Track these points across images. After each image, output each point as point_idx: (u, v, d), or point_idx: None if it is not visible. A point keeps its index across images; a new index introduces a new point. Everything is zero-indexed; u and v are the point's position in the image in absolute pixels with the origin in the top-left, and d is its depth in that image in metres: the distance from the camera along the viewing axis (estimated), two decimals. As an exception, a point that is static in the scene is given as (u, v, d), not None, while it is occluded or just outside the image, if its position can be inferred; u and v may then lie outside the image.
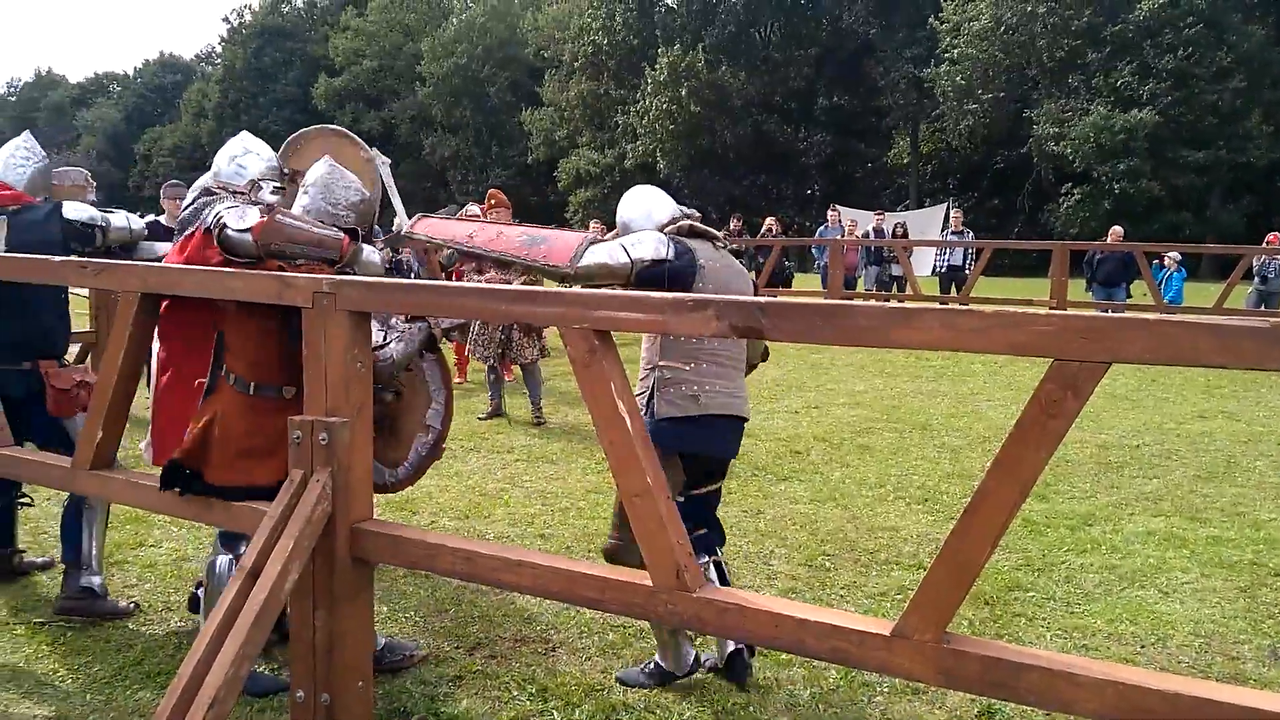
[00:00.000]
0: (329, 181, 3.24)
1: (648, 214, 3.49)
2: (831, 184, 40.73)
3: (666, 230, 3.37)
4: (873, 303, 2.02)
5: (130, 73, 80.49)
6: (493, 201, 7.85)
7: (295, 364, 2.80)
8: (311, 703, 2.77)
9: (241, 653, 2.44)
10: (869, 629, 2.09)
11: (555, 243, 3.28)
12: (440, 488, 5.83)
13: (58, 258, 3.24)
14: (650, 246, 3.25)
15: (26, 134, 4.15)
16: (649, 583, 2.30)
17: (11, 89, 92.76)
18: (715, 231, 3.51)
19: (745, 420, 3.49)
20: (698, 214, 3.58)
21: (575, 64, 44.90)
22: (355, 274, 3.10)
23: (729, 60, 40.67)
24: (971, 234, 16.08)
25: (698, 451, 3.34)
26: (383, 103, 54.28)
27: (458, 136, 51.37)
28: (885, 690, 3.32)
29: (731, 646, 3.36)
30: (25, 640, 3.65)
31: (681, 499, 3.23)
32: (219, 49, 66.89)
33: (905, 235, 16.62)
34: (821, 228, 16.76)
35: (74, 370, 3.91)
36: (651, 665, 3.38)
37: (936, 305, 2.48)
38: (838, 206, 19.15)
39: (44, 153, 4.11)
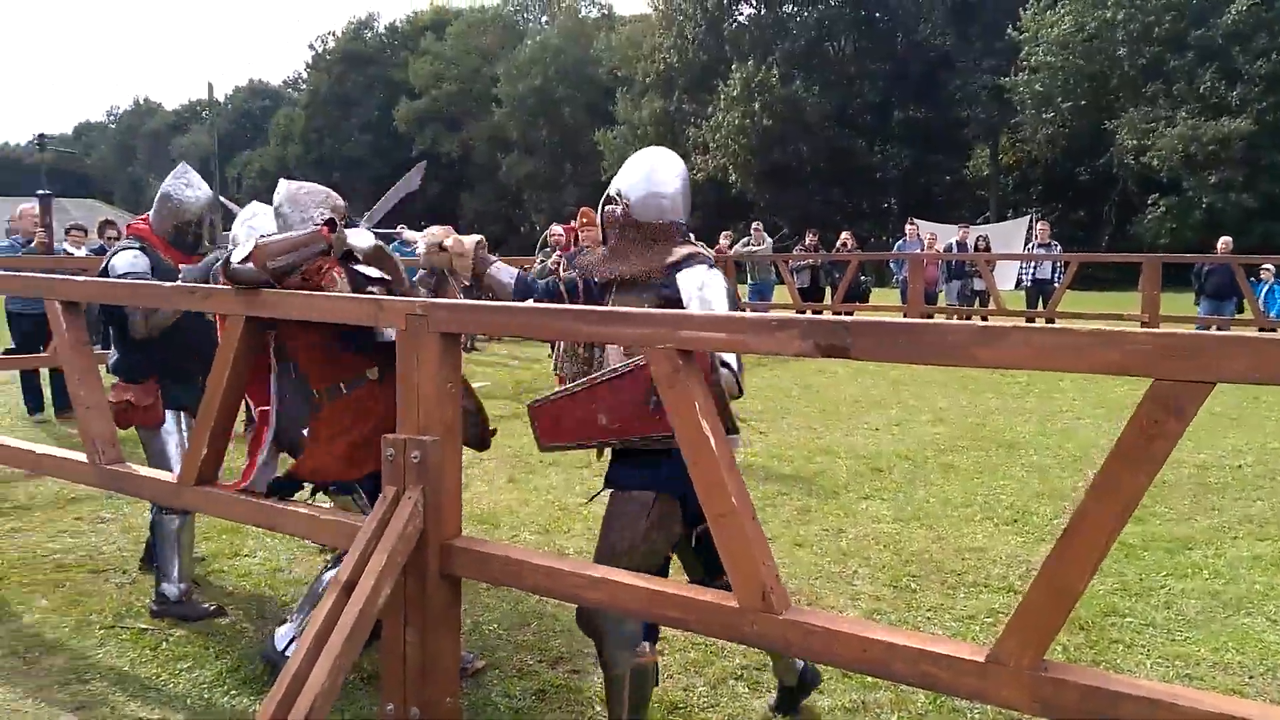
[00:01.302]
0: (293, 196, 3.48)
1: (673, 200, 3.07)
2: (908, 197, 40.12)
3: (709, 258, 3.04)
4: (958, 321, 1.99)
5: (222, 99, 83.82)
6: (584, 220, 7.84)
7: (359, 352, 3.23)
8: (401, 716, 2.83)
9: (336, 665, 2.51)
10: (961, 654, 2.05)
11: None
12: (521, 501, 5.91)
13: (169, 284, 3.40)
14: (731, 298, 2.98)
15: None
16: (735, 603, 2.30)
17: (112, 118, 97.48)
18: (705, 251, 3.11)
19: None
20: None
21: (647, 82, 45.25)
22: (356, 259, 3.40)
23: (802, 74, 40.50)
24: (1059, 246, 15.65)
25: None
26: (461, 125, 55.45)
27: (533, 156, 52.17)
28: (975, 717, 3.25)
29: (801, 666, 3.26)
30: (130, 645, 3.81)
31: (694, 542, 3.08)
32: (305, 75, 69.23)
33: (987, 248, 16.28)
34: (900, 242, 16.52)
35: (126, 389, 4.07)
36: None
37: (1023, 323, 2.40)
38: (916, 220, 18.84)
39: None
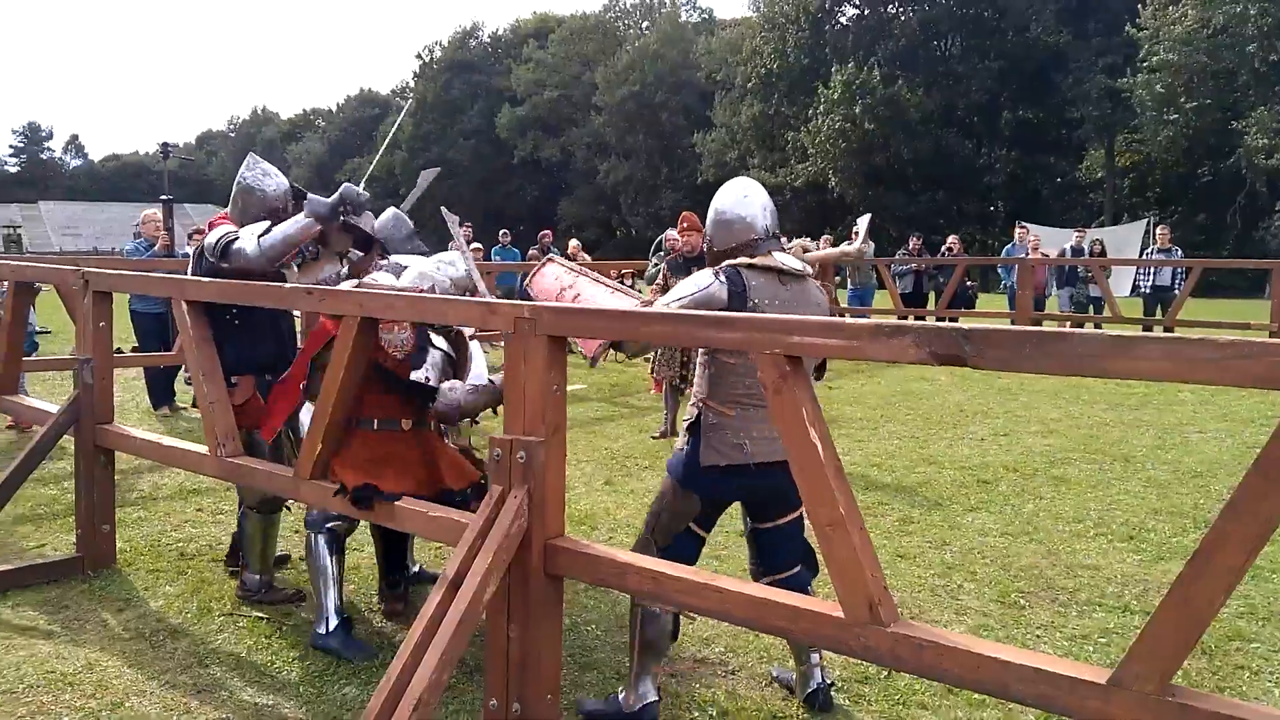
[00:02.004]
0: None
1: (739, 215, 3.24)
2: (1015, 201, 38.89)
3: (725, 266, 3.14)
4: (1089, 330, 1.90)
5: (334, 108, 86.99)
6: (685, 225, 7.75)
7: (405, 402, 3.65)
8: (504, 711, 2.87)
9: (443, 659, 2.57)
10: (1082, 675, 1.97)
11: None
12: (617, 504, 5.94)
13: (287, 285, 3.54)
14: (703, 297, 3.05)
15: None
16: (840, 614, 2.26)
17: (232, 127, 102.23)
18: (786, 263, 3.18)
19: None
20: (780, 242, 3.31)
21: (747, 85, 45.04)
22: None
23: (906, 75, 39.68)
24: (1180, 251, 14.93)
25: (738, 499, 3.31)
26: (560, 130, 56.23)
27: (630, 161, 52.54)
28: (1089, 741, 3.11)
29: (818, 683, 3.31)
30: (247, 632, 3.97)
31: (704, 535, 3.28)
32: (412, 84, 71.21)
33: (1103, 253, 15.64)
34: (1009, 246, 16.01)
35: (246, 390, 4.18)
36: (611, 696, 3.33)
37: (1156, 332, 2.27)
38: (1026, 224, 18.22)
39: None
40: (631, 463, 7.04)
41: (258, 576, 4.32)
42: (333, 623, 3.80)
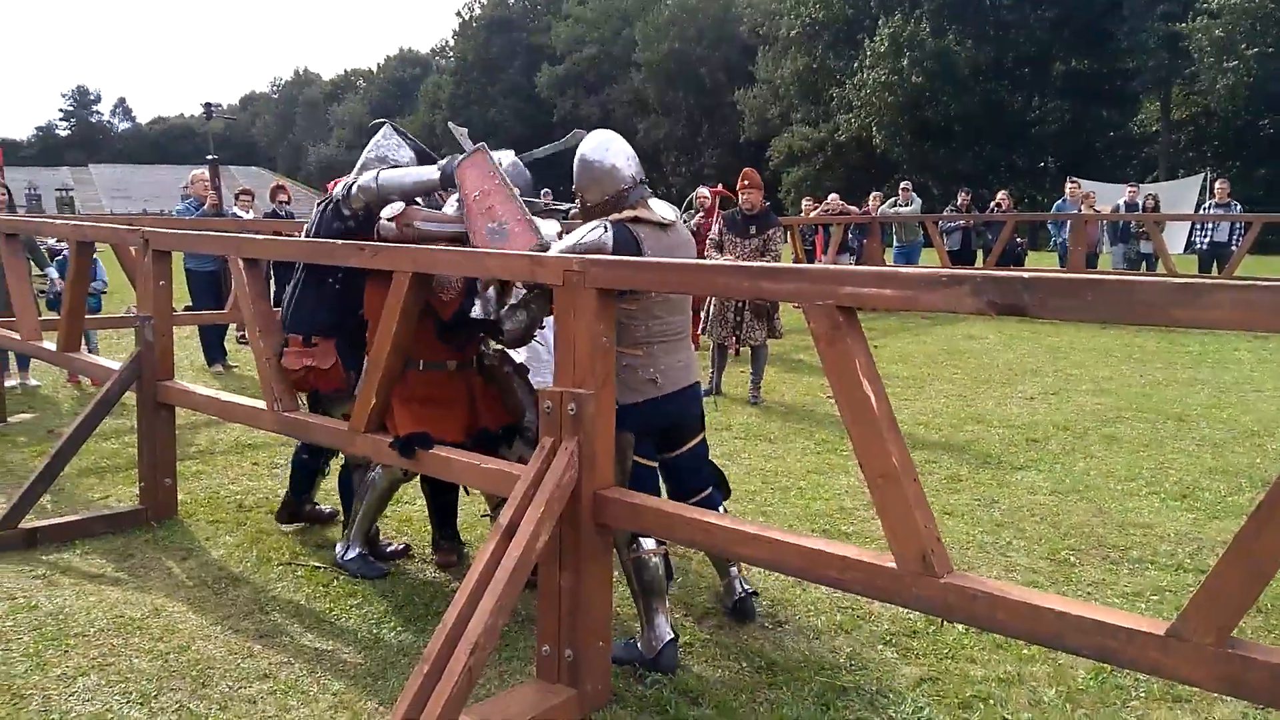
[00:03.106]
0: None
1: (607, 167, 3.39)
2: (1068, 155, 37.93)
3: (612, 218, 3.29)
4: (1154, 277, 1.86)
5: (374, 68, 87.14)
6: (745, 182, 7.56)
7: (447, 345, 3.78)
8: (556, 658, 2.94)
9: (499, 604, 2.62)
10: (1140, 627, 1.96)
11: (513, 243, 3.35)
12: (663, 462, 5.97)
13: (339, 242, 3.58)
14: (588, 244, 3.19)
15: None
16: (894, 565, 2.27)
17: (275, 88, 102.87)
18: (659, 215, 3.38)
19: (697, 383, 3.57)
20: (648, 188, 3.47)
21: (790, 37, 44.20)
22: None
23: (955, 26, 38.66)
24: (1239, 206, 14.48)
25: (661, 425, 3.44)
26: (600, 88, 55.79)
27: (670, 119, 52.04)
28: (1141, 695, 3.10)
29: (739, 593, 3.67)
30: (305, 581, 4.08)
31: (654, 463, 3.46)
32: (452, 42, 71.00)
33: (1157, 208, 15.22)
34: (1060, 201, 15.64)
35: (304, 354, 3.97)
36: (631, 640, 3.42)
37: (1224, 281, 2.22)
38: (1077, 179, 17.77)
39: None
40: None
41: (359, 551, 4.17)
42: (355, 551, 4.16)
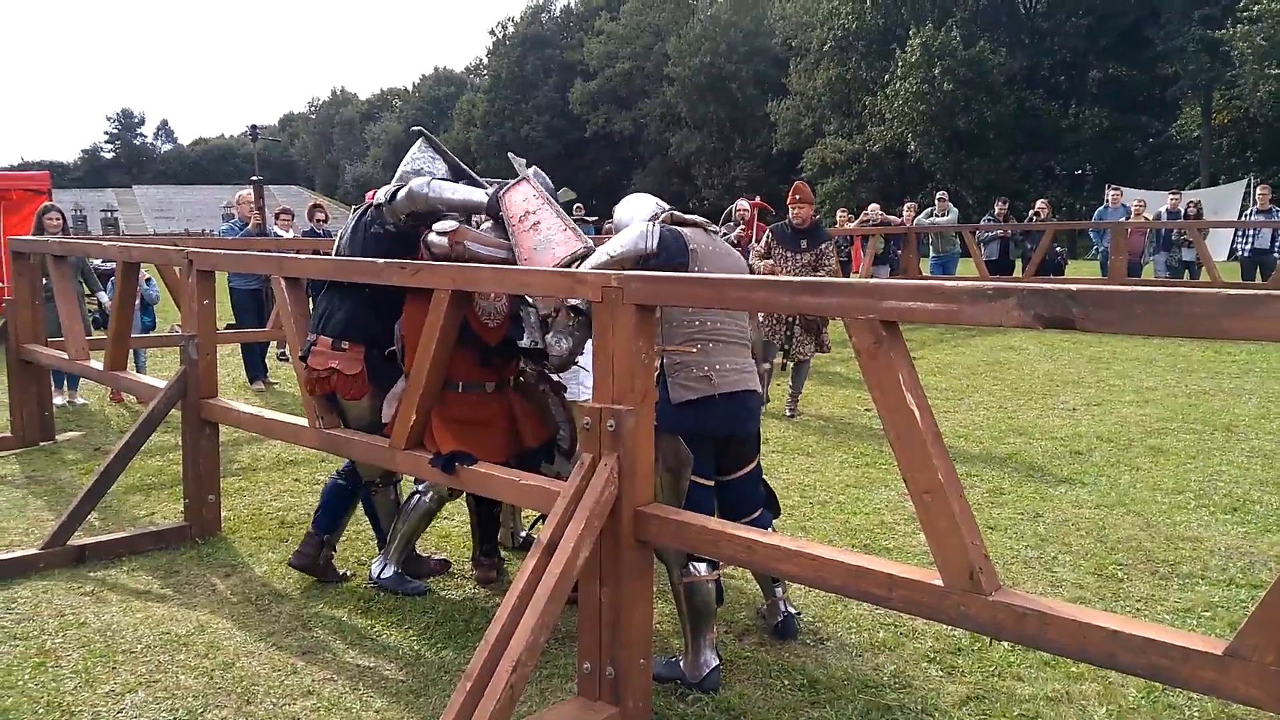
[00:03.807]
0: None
1: (632, 214, 3.59)
2: (1105, 162, 37.40)
3: (655, 219, 3.42)
4: (1203, 288, 1.82)
5: (410, 87, 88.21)
6: (797, 196, 7.40)
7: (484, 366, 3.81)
8: (597, 675, 2.93)
9: (540, 622, 2.62)
10: (1195, 646, 1.91)
11: (559, 250, 3.47)
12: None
13: (381, 260, 3.61)
14: (630, 242, 3.30)
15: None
16: (940, 582, 2.23)
17: (313, 108, 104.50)
18: (702, 219, 3.54)
19: (758, 394, 3.50)
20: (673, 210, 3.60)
21: (823, 49, 44.11)
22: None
23: (988, 34, 38.37)
24: (1282, 212, 14.17)
25: (717, 431, 3.37)
26: (632, 103, 56.02)
27: (702, 132, 52.11)
28: (1195, 714, 3.03)
29: (783, 613, 3.63)
30: (348, 597, 4.11)
31: (710, 483, 3.41)
32: (486, 60, 71.72)
33: (1200, 215, 14.95)
34: (1100, 209, 15.41)
35: (332, 356, 3.90)
36: (674, 659, 3.40)
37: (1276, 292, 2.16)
38: (1120, 186, 17.48)
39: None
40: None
41: (395, 568, 4.17)
42: (391, 569, 4.16)
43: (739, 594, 4.07)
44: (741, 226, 9.85)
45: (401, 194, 3.83)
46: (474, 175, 4.14)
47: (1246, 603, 3.87)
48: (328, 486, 4.39)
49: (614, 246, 3.35)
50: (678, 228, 3.42)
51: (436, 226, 3.72)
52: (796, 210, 7.37)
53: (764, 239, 7.66)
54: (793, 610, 3.70)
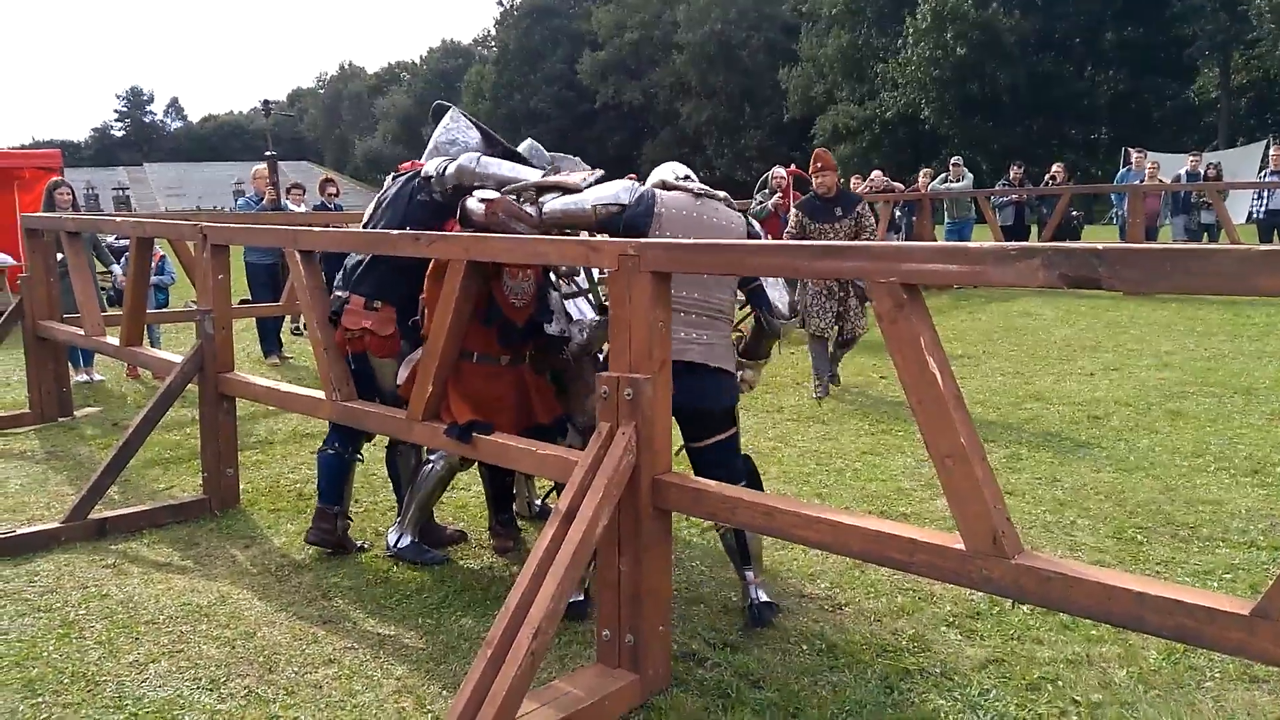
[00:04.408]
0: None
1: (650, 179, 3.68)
2: (1123, 126, 36.94)
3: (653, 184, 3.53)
4: (1234, 245, 1.79)
5: (417, 60, 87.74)
6: (819, 164, 7.10)
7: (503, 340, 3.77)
8: (617, 642, 2.94)
9: (560, 589, 2.62)
10: (1222, 606, 1.90)
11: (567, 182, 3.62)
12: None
13: (395, 231, 3.60)
14: (611, 192, 3.42)
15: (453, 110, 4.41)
16: (962, 546, 2.22)
17: (321, 83, 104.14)
18: (706, 188, 3.56)
19: (725, 370, 3.45)
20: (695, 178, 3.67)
21: (834, 13, 43.60)
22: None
23: (1001, -2, 37.84)
24: (1302, 173, 13.97)
25: (678, 401, 3.24)
26: (642, 73, 55.55)
27: (713, 101, 51.68)
28: (1216, 675, 3.02)
29: (751, 599, 3.51)
30: (365, 568, 4.13)
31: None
32: (494, 32, 71.19)
33: (1219, 177, 14.75)
34: (1123, 171, 15.21)
35: (365, 316, 3.97)
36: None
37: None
38: (1142, 149, 17.23)
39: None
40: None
41: (411, 536, 4.19)
42: (408, 539, 4.17)
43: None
44: (779, 195, 9.76)
45: (451, 169, 3.88)
46: (506, 144, 4.15)
47: (1268, 565, 3.85)
48: (322, 458, 4.34)
49: (598, 194, 3.48)
50: (660, 190, 3.49)
51: (478, 194, 3.73)
52: (821, 179, 7.05)
53: (794, 218, 7.25)
54: (764, 598, 3.54)
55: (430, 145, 4.20)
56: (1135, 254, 1.86)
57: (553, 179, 3.66)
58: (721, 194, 3.58)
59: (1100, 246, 1.89)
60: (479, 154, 3.95)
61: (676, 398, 3.15)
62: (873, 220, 7.19)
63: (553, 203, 3.49)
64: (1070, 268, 1.91)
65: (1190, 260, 1.79)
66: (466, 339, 3.64)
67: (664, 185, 3.54)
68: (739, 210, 3.59)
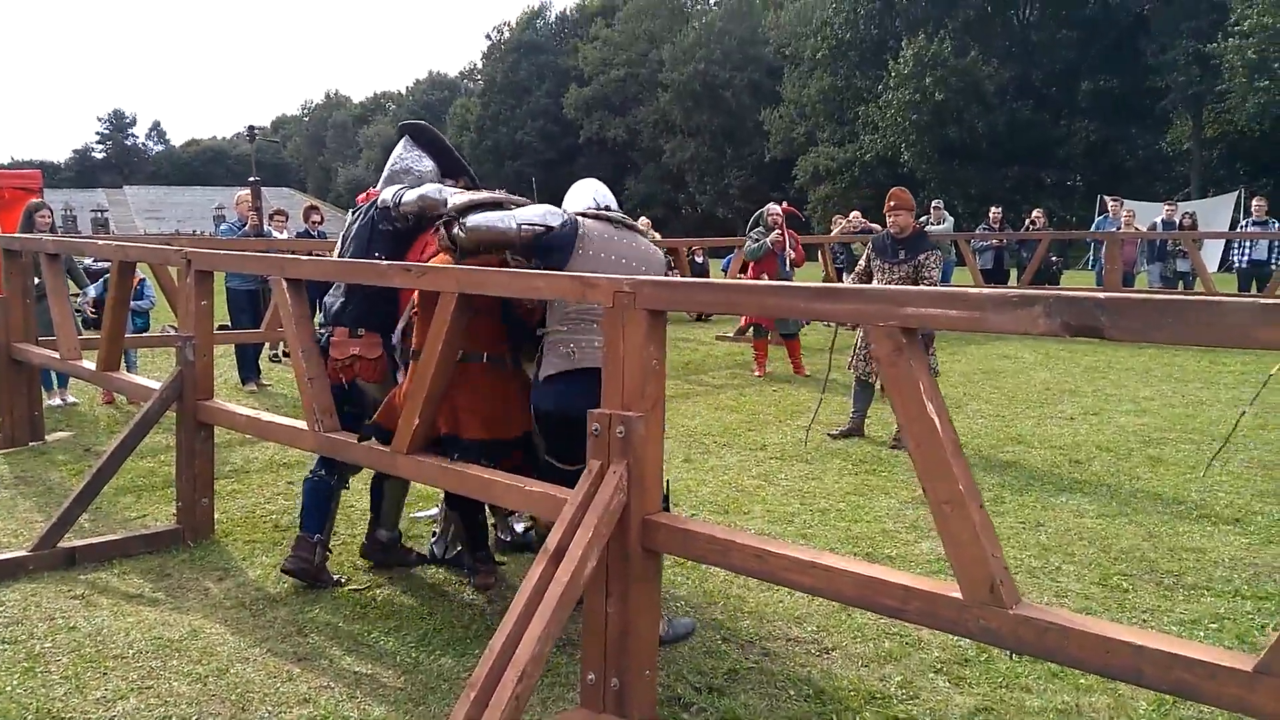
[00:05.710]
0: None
1: (570, 203, 3.85)
2: (1097, 173, 37.61)
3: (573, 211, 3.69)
4: (1234, 296, 1.80)
5: (403, 91, 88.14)
6: (894, 203, 6.83)
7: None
8: (602, 686, 2.87)
9: (546, 631, 2.57)
10: (1223, 662, 1.87)
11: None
12: (699, 481, 5.91)
13: (385, 262, 3.57)
14: (538, 214, 3.52)
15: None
16: (959, 594, 2.19)
17: (306, 111, 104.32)
18: (626, 218, 3.76)
19: None
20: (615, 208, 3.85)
21: (816, 58, 44.29)
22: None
23: (979, 45, 38.58)
24: (1277, 224, 14.26)
25: (568, 409, 3.32)
26: (626, 110, 56.07)
27: (696, 139, 52.20)
28: (1207, 730, 3.00)
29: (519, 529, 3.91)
30: (344, 602, 4.05)
31: (569, 467, 3.38)
32: (480, 65, 71.71)
33: (1194, 226, 15.01)
34: (1100, 219, 15.45)
35: (352, 343, 4.04)
36: None
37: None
38: (1118, 197, 17.54)
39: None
40: (710, 440, 7.00)
41: (389, 533, 4.44)
42: (456, 549, 4.39)
43: (741, 602, 4.02)
44: (776, 231, 9.79)
45: (410, 197, 3.93)
46: (468, 168, 4.24)
47: (1253, 615, 3.85)
48: (309, 484, 4.32)
49: (525, 214, 3.53)
50: (584, 218, 3.61)
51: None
52: (894, 219, 6.76)
53: (864, 256, 7.05)
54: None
55: (385, 173, 4.29)
56: (1135, 304, 1.86)
57: (483, 196, 3.69)
58: (640, 223, 3.71)
59: (1102, 295, 1.89)
60: (443, 186, 4.03)
61: (586, 404, 2.98)
62: (936, 273, 6.78)
63: (478, 216, 3.50)
64: (1073, 316, 1.91)
65: (1190, 311, 1.79)
66: (475, 339, 3.64)
67: (585, 214, 3.67)
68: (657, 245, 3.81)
